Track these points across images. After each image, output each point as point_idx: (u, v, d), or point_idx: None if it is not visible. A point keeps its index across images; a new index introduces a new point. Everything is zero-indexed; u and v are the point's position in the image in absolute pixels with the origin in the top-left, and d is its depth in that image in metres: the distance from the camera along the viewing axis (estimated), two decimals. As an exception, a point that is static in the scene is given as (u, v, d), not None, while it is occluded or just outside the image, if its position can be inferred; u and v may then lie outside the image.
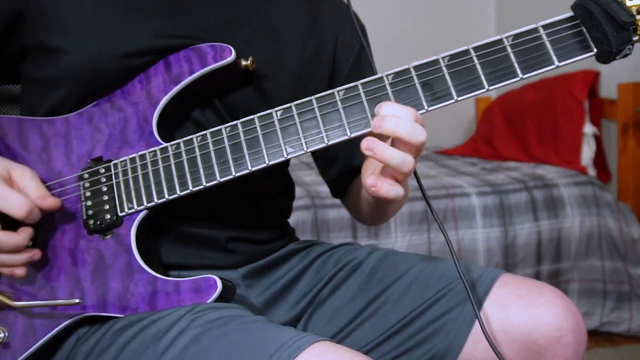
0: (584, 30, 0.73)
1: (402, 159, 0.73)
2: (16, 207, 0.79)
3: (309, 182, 2.30)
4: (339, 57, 1.00)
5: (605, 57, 0.73)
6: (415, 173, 0.85)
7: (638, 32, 0.72)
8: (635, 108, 2.36)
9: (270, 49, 0.92)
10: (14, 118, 0.90)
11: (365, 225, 2.11)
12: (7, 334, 0.84)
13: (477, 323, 0.86)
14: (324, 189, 2.18)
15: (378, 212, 1.00)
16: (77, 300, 0.81)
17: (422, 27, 3.27)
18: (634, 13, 0.71)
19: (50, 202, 0.82)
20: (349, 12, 0.98)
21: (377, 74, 0.79)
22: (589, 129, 2.48)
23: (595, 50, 0.73)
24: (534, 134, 2.66)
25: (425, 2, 3.30)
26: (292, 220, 2.05)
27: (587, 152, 2.47)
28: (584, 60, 0.76)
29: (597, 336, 2.25)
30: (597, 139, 2.52)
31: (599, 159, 2.51)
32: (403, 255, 0.98)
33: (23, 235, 0.81)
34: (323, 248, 1.03)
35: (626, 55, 0.73)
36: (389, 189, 0.75)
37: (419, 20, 3.28)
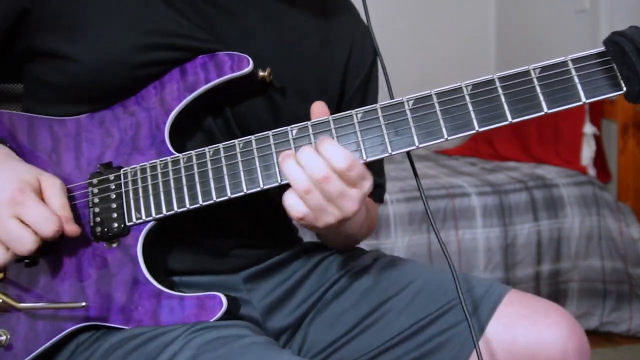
0: (615, 67, 0.71)
1: (299, 186, 0.73)
2: (47, 225, 0.76)
3: (309, 182, 2.30)
4: (348, 75, 0.98)
5: (634, 97, 0.70)
6: (415, 174, 0.83)
7: None
8: (636, 108, 2.36)
9: (283, 61, 0.91)
10: (25, 115, 0.89)
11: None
12: (8, 337, 0.83)
13: (481, 340, 0.86)
14: (324, 189, 2.17)
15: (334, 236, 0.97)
16: (83, 304, 0.80)
17: (422, 28, 3.27)
18: None
19: (73, 229, 0.79)
20: (363, 28, 0.95)
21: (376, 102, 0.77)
22: (589, 129, 2.48)
23: (625, 89, 0.70)
24: (534, 134, 2.66)
25: (425, 3, 3.30)
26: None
27: (587, 152, 2.47)
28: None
29: (597, 336, 2.25)
30: (597, 139, 2.51)
31: (599, 159, 2.51)
32: (408, 264, 0.97)
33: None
34: (326, 251, 1.01)
35: None
36: (289, 197, 0.74)
37: (419, 21, 3.28)
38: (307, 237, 1.05)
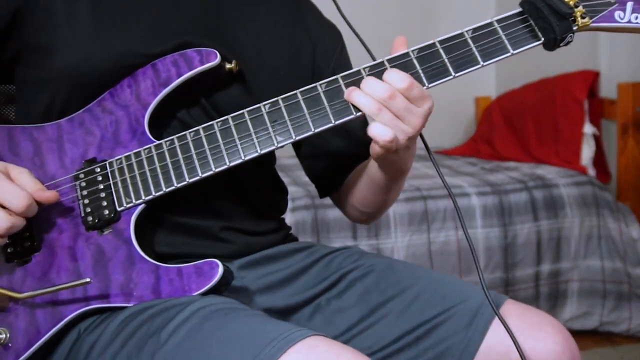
0: (532, 22, 0.84)
1: (373, 113, 0.81)
2: (16, 199, 0.80)
3: (309, 182, 2.30)
4: (318, 63, 1.04)
5: (551, 44, 0.84)
6: (437, 169, 0.94)
7: (576, 23, 0.84)
8: (635, 108, 2.36)
9: (253, 49, 0.96)
10: (3, 127, 0.92)
11: (365, 226, 2.11)
12: (8, 335, 0.83)
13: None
14: (324, 189, 2.18)
15: (381, 193, 1.03)
16: (88, 279, 0.82)
17: (421, 28, 3.28)
18: (572, 6, 0.83)
19: (49, 194, 0.83)
20: (326, 19, 1.02)
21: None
22: (588, 129, 2.49)
23: (542, 38, 0.84)
24: (534, 134, 2.66)
25: (425, 2, 3.30)
26: (292, 220, 2.03)
27: (587, 152, 2.48)
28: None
29: (597, 336, 2.25)
30: (597, 139, 2.52)
31: (599, 159, 2.52)
32: (407, 267, 0.99)
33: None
34: (326, 250, 1.03)
35: (568, 42, 0.85)
36: (373, 127, 0.81)
37: (418, 20, 3.28)
38: (307, 236, 1.05)
